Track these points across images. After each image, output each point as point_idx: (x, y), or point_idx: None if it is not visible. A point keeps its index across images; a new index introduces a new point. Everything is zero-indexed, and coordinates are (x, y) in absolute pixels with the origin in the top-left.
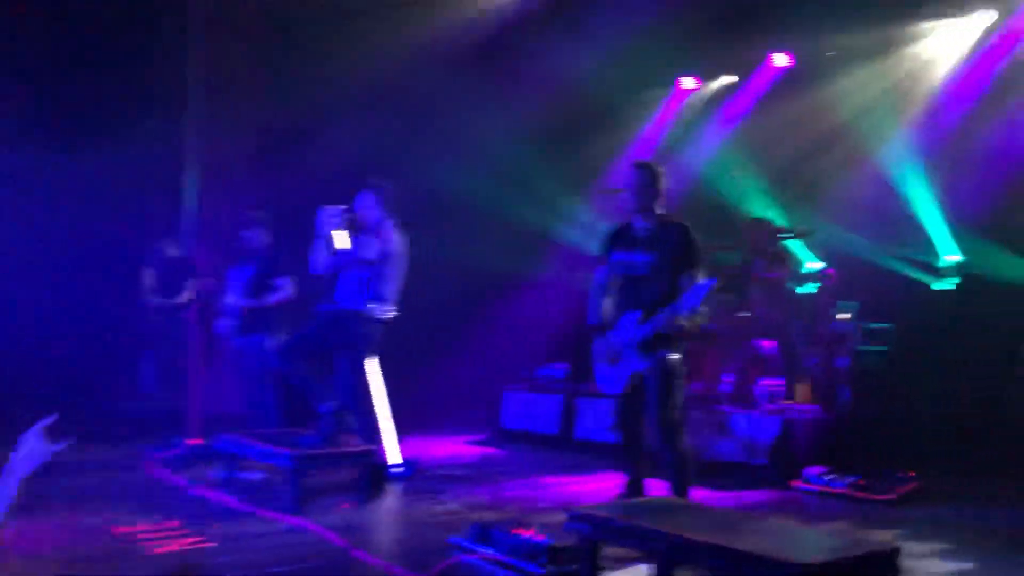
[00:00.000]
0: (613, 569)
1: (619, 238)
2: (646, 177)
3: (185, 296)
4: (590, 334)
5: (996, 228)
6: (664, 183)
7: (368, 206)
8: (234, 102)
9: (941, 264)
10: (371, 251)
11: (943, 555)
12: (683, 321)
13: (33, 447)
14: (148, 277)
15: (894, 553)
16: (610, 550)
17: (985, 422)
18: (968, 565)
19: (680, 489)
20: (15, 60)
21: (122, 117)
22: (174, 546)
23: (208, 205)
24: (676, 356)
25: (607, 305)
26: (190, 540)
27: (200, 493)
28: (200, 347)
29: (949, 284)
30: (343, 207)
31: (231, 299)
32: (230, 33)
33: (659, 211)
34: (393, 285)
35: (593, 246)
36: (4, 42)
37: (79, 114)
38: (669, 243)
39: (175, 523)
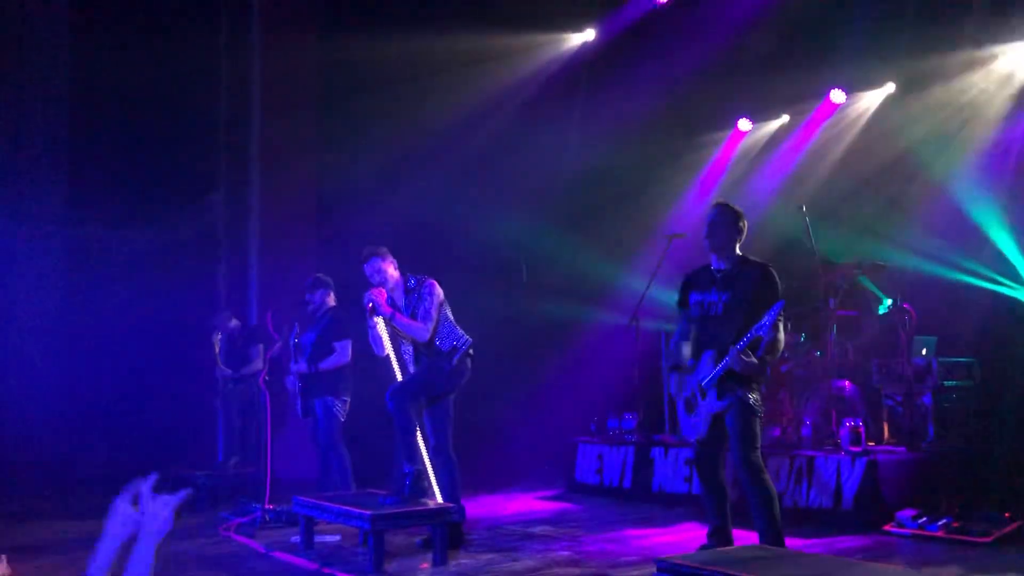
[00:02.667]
0: None
1: (696, 280)
2: (727, 217)
3: (255, 365)
4: (668, 374)
5: None
6: (744, 225)
7: (382, 268)
8: (293, 169)
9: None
10: (441, 292)
11: None
12: (753, 358)
13: (152, 510)
14: (216, 346)
15: None
16: None
17: None
18: None
19: (771, 535)
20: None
21: (185, 191)
22: None
23: (273, 270)
24: (754, 395)
25: (685, 348)
26: None
27: (280, 557)
28: (271, 413)
29: None
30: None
31: (297, 364)
32: (288, 100)
33: (738, 252)
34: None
35: (658, 292)
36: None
37: (147, 189)
38: (746, 282)
39: None
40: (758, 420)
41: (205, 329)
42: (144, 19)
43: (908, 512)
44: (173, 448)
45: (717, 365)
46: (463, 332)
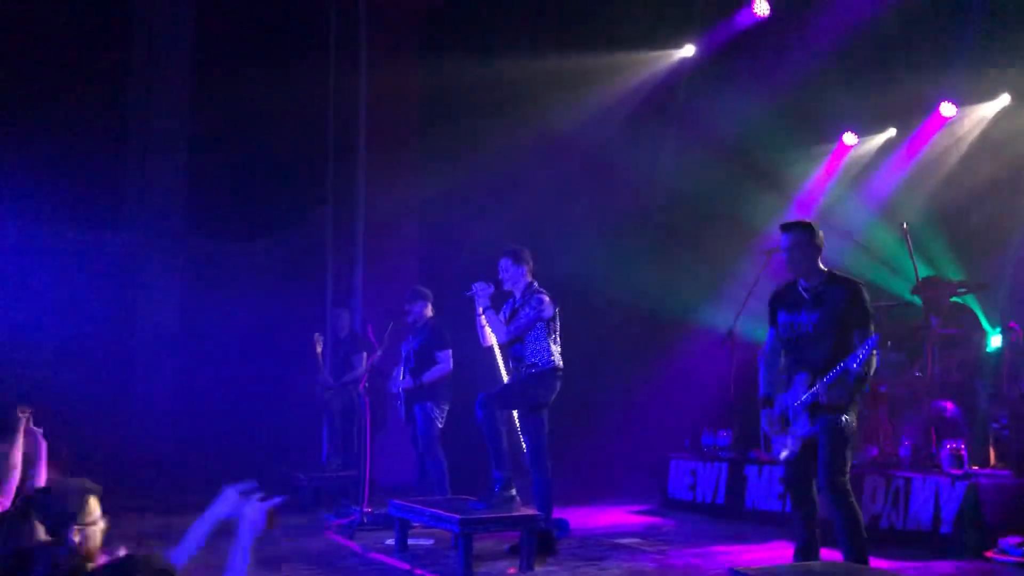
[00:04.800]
0: None
1: (783, 299)
2: (801, 237)
3: (358, 372)
4: (759, 406)
5: None
6: (821, 237)
7: (511, 269)
8: (397, 182)
9: None
10: (546, 310)
11: None
12: (850, 383)
13: (248, 513)
14: (318, 347)
15: None
16: None
17: None
18: None
19: (855, 556)
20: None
21: (296, 204)
22: None
23: (377, 280)
24: (846, 417)
25: (774, 374)
26: None
27: (374, 557)
28: (372, 419)
29: None
30: (489, 283)
31: (398, 372)
32: (393, 117)
33: (823, 268)
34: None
35: (756, 308)
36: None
37: (261, 203)
38: (835, 302)
39: None
40: (849, 443)
41: (312, 336)
42: (259, 42)
43: (1013, 539)
44: (281, 450)
45: (809, 389)
46: (556, 354)
